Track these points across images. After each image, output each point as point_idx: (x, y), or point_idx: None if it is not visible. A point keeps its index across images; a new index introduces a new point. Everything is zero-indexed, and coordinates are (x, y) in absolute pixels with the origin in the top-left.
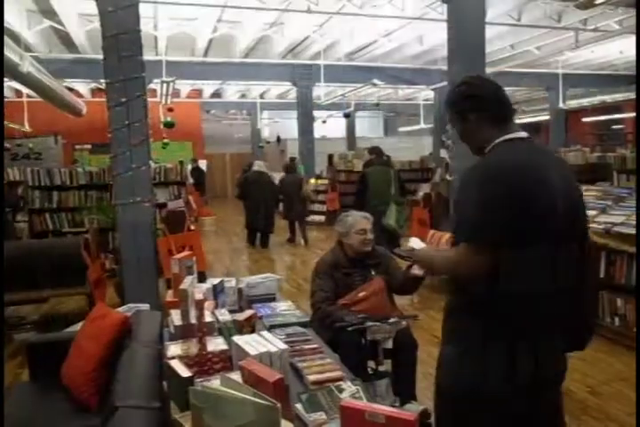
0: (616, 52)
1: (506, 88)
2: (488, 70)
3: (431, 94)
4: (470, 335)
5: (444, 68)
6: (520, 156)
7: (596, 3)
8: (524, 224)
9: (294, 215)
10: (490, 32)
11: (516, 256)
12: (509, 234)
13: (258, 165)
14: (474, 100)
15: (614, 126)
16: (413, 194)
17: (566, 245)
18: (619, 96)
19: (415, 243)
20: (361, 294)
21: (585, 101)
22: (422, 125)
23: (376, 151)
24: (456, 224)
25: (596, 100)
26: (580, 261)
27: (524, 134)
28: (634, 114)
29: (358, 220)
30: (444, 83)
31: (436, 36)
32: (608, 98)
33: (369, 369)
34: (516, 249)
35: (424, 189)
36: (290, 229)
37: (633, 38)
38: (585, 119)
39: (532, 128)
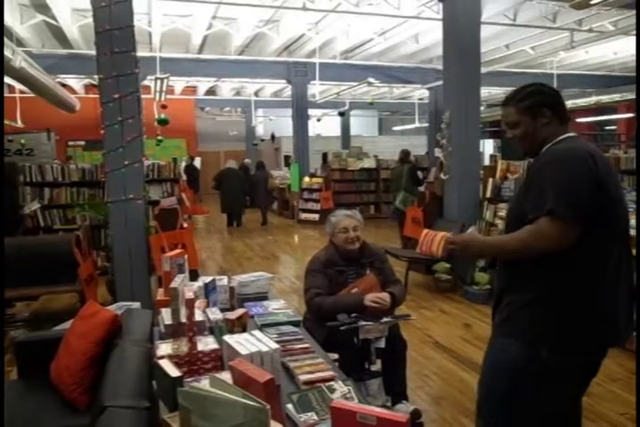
0: (611, 53)
1: (500, 88)
2: (483, 70)
3: (426, 93)
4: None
5: (440, 67)
6: (588, 146)
7: (592, 3)
8: (600, 204)
9: (259, 202)
10: (485, 32)
11: (590, 236)
12: (590, 208)
13: (230, 163)
14: (549, 96)
15: (608, 127)
16: None
17: (623, 237)
18: (614, 97)
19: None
20: (354, 290)
21: (580, 102)
22: (417, 124)
23: (400, 153)
24: (531, 204)
25: (591, 100)
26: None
27: (576, 134)
28: (628, 115)
29: (341, 219)
30: (440, 82)
31: (432, 35)
32: (603, 99)
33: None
34: (591, 228)
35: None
36: (262, 215)
37: (627, 39)
38: (579, 120)
39: None
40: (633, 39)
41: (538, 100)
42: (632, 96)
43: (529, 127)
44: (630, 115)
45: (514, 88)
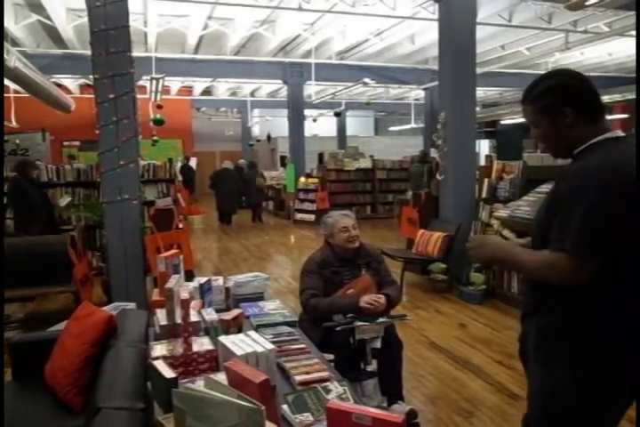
0: (605, 53)
1: (496, 88)
2: (479, 70)
3: (422, 94)
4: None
5: (435, 67)
6: (630, 161)
7: (587, 4)
8: (635, 237)
9: (250, 201)
10: (481, 32)
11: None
12: (620, 249)
13: (226, 164)
14: (569, 92)
15: None
16: (403, 193)
17: None
18: (609, 98)
19: None
20: (349, 291)
21: None
22: (413, 125)
23: (419, 153)
24: (555, 234)
25: None
26: None
27: (621, 133)
28: (623, 115)
29: (339, 219)
30: (435, 82)
31: (428, 36)
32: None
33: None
34: (623, 258)
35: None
36: (252, 213)
37: (622, 40)
38: None
39: (523, 129)
40: (628, 40)
41: (553, 99)
42: (628, 97)
43: (549, 130)
44: (625, 115)
45: (509, 89)
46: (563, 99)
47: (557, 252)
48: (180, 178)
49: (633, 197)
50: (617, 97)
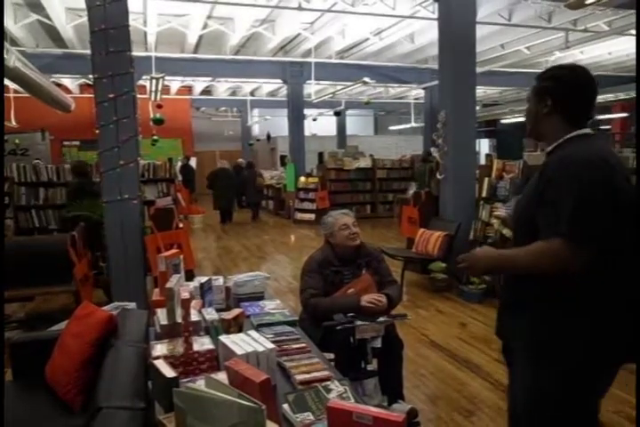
0: (605, 52)
1: (496, 87)
2: (478, 69)
3: (422, 93)
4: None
5: (435, 66)
6: (605, 152)
7: (586, 3)
8: (621, 219)
9: (248, 200)
10: (480, 31)
11: (612, 253)
12: (611, 230)
13: (221, 163)
14: (561, 87)
15: (602, 127)
16: (403, 192)
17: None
18: (608, 97)
19: None
20: (350, 291)
21: None
22: (413, 124)
23: (423, 154)
24: (544, 220)
25: None
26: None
27: (589, 130)
28: (622, 114)
29: (338, 217)
30: (435, 82)
31: (427, 35)
32: (598, 98)
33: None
34: (612, 245)
35: (414, 187)
36: (252, 212)
37: (622, 39)
38: None
39: (523, 128)
40: (628, 39)
41: (546, 87)
42: (626, 96)
43: (531, 108)
44: (625, 114)
45: (509, 88)
46: (551, 89)
47: (550, 238)
48: (179, 177)
49: (619, 186)
50: (615, 96)
